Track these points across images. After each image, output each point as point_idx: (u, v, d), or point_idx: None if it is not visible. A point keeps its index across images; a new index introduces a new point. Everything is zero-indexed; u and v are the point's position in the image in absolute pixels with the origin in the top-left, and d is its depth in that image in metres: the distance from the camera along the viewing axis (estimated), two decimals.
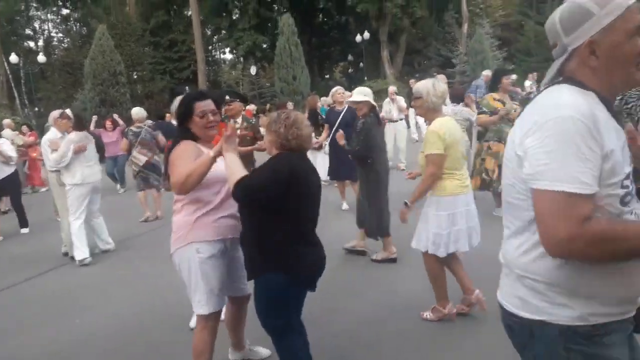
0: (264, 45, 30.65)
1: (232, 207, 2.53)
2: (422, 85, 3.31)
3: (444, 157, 3.18)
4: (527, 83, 18.62)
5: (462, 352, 3.11)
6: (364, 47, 27.15)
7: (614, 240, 1.16)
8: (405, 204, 3.31)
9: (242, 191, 2.24)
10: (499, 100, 5.87)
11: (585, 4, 1.26)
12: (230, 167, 2.35)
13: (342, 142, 4.83)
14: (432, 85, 3.27)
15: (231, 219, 2.58)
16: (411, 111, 14.70)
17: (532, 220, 1.26)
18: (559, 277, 1.26)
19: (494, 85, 6.11)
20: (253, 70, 27.60)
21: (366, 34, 26.20)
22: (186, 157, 2.44)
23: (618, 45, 1.24)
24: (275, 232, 2.28)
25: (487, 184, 5.93)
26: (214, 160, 2.38)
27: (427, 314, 3.49)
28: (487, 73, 11.33)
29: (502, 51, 23.83)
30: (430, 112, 3.31)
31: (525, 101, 12.71)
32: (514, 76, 11.42)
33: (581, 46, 1.27)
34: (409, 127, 12.94)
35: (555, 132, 1.18)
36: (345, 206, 7.18)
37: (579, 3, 1.27)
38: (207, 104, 2.61)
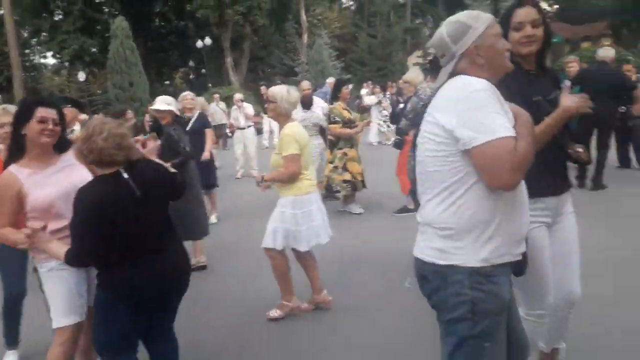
0: (93, 49, 28.08)
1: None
2: (277, 91, 3.48)
3: (301, 157, 3.39)
4: (363, 91, 19.86)
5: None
6: (205, 53, 26.40)
7: (526, 151, 1.50)
8: (262, 177, 3.48)
9: (80, 262, 2.30)
10: (345, 109, 6.30)
11: (464, 21, 1.68)
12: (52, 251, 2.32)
13: None
14: (287, 92, 3.46)
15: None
16: (266, 118, 14.69)
17: (452, 183, 1.59)
18: (470, 225, 1.57)
19: (334, 94, 6.37)
20: (82, 76, 25.00)
21: (207, 40, 25.52)
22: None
23: (492, 46, 1.68)
24: (104, 253, 2.23)
25: (355, 184, 6.29)
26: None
27: (274, 312, 3.56)
28: (330, 81, 11.72)
29: (340, 61, 25.14)
30: (282, 117, 3.50)
31: (362, 109, 13.55)
32: (350, 86, 12.05)
33: (468, 50, 1.66)
34: (259, 133, 12.82)
35: (478, 101, 1.53)
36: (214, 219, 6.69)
37: (459, 20, 1.69)
38: (51, 112, 2.42)
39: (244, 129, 10.10)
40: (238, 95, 10.73)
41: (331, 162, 6.31)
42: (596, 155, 6.40)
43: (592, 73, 6.64)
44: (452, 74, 1.67)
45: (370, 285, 4.07)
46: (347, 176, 6.21)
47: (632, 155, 7.64)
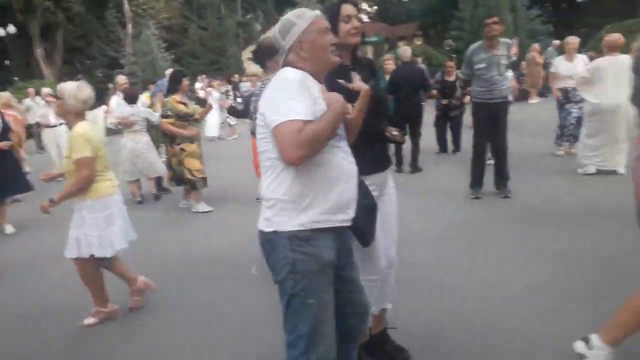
0: None
1: None
2: (66, 87, 3.25)
3: (94, 160, 3.20)
4: (198, 85, 19.19)
5: None
6: (8, 43, 22.85)
7: (316, 131, 1.70)
8: (51, 200, 3.20)
9: None
10: (180, 102, 5.95)
11: (289, 18, 1.89)
12: None
13: None
14: (77, 88, 3.24)
15: None
16: (90, 113, 13.25)
17: (273, 161, 1.82)
18: (288, 196, 1.79)
19: (173, 87, 5.99)
20: None
21: (11, 28, 22.12)
22: None
23: (315, 41, 1.87)
24: None
25: (194, 182, 6.02)
26: None
27: (88, 320, 3.41)
28: (168, 72, 11.08)
29: (170, 53, 23.89)
30: (70, 115, 3.26)
31: (201, 101, 13.07)
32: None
33: (293, 44, 1.87)
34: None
35: (279, 87, 1.79)
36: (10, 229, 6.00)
37: (286, 17, 1.91)
38: None
39: (55, 126, 8.99)
40: (46, 90, 9.57)
41: (174, 156, 5.98)
42: (411, 143, 7.27)
43: (401, 71, 7.42)
44: (283, 66, 1.91)
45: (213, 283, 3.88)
46: (186, 173, 5.93)
47: (450, 141, 8.62)
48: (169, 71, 9.86)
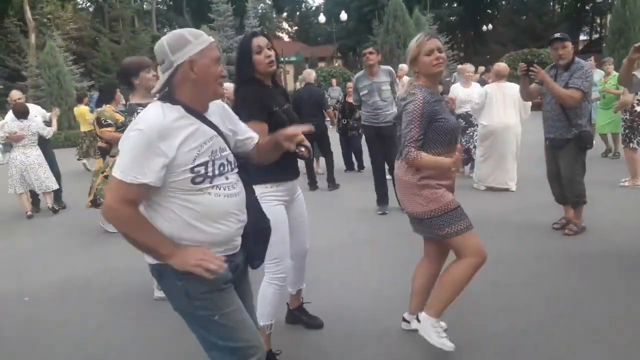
0: None
1: None
2: None
3: None
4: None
5: None
6: None
7: (132, 227, 1.72)
8: None
9: None
10: (116, 111, 5.60)
11: (184, 34, 1.78)
12: None
13: None
14: None
15: None
16: None
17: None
18: (170, 232, 1.77)
19: (107, 98, 5.68)
20: None
21: None
22: None
23: (208, 67, 1.78)
24: None
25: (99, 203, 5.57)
26: None
27: None
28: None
29: (79, 66, 22.69)
30: None
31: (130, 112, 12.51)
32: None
33: (184, 63, 1.75)
34: None
35: (130, 137, 1.69)
36: None
37: (180, 33, 1.79)
38: None
39: None
40: None
41: (102, 172, 5.49)
42: (325, 161, 7.61)
43: (302, 93, 7.76)
44: (167, 83, 1.79)
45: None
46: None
47: (354, 159, 9.01)
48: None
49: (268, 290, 2.73)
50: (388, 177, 6.10)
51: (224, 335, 1.84)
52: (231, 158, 1.89)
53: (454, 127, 2.67)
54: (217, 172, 1.80)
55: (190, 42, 1.76)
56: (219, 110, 1.94)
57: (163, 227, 1.77)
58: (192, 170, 1.74)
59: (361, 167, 8.90)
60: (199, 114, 1.81)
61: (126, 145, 1.70)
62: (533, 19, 31.37)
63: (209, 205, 1.79)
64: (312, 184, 7.57)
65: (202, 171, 1.76)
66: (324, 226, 5.35)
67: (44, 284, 4.37)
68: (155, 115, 1.71)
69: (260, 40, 2.60)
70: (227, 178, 1.84)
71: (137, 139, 1.68)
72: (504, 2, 36.12)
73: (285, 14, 54.34)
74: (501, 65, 6.78)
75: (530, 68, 4.39)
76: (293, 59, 32.79)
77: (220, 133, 1.85)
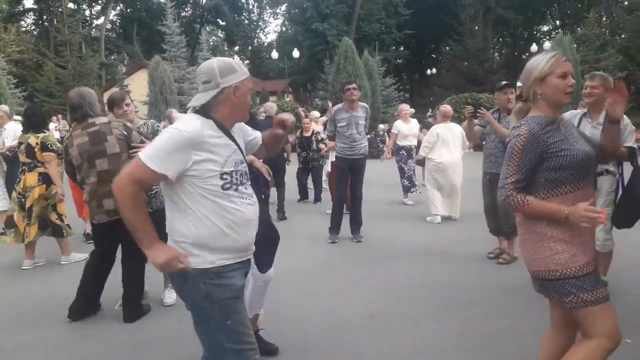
0: None
1: None
2: None
3: None
4: (52, 125, 17.88)
5: None
6: None
7: (128, 202, 1.89)
8: None
9: None
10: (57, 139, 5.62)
11: (232, 64, 2.07)
12: None
13: None
14: None
15: None
16: None
17: (173, 206, 2.02)
18: (194, 238, 1.96)
19: (39, 123, 5.52)
20: None
21: None
22: None
23: (246, 95, 2.08)
24: None
25: (62, 228, 5.47)
26: None
27: None
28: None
29: (21, 89, 21.93)
30: None
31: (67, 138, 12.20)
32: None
33: (230, 87, 2.02)
34: None
35: (167, 135, 1.94)
36: None
37: (229, 61, 2.08)
38: None
39: None
40: None
41: (46, 198, 5.34)
42: (277, 192, 7.82)
43: (261, 124, 7.88)
44: (210, 102, 2.04)
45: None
46: (54, 217, 5.37)
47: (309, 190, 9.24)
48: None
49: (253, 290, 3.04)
50: (345, 212, 6.41)
51: (233, 339, 2.02)
52: (247, 170, 2.15)
53: (582, 158, 2.07)
54: (239, 181, 2.06)
55: (236, 70, 2.05)
56: (235, 128, 2.18)
57: (198, 233, 1.96)
58: (221, 176, 1.98)
59: (318, 199, 9.07)
60: (226, 130, 2.07)
61: (162, 139, 1.94)
62: (474, 65, 33.38)
63: (236, 213, 2.01)
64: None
65: (229, 178, 2.01)
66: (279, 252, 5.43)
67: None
68: (195, 123, 1.97)
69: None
70: (246, 188, 2.10)
71: (174, 136, 1.92)
72: (447, 48, 38.33)
73: (237, 48, 54.97)
74: (447, 108, 7.59)
75: (478, 110, 4.88)
76: None
77: (239, 147, 2.11)
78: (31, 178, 5.24)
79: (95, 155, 3.75)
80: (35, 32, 38.25)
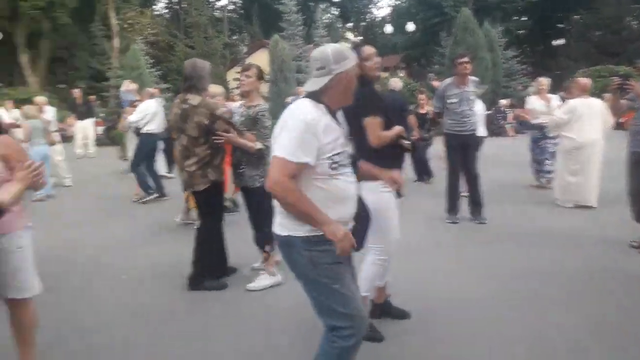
0: None
1: None
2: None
3: None
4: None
5: None
6: None
7: (297, 198, 2.05)
8: None
9: None
10: None
11: (344, 51, 2.20)
12: None
13: None
14: None
15: None
16: (81, 124, 13.36)
17: None
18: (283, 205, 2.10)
19: None
20: None
21: None
22: None
23: (352, 78, 2.22)
24: None
25: None
26: None
27: None
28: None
29: (157, 69, 24.07)
30: None
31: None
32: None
33: (342, 73, 2.16)
34: (65, 141, 11.54)
35: (292, 125, 2.08)
36: None
37: (341, 48, 2.19)
38: None
39: None
40: (40, 99, 9.67)
41: None
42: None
43: (386, 99, 7.84)
44: (322, 87, 2.17)
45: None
46: None
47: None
48: (126, 86, 9.92)
49: (372, 269, 3.16)
50: (464, 193, 6.24)
51: (343, 302, 2.15)
52: (348, 152, 2.30)
53: None
54: (344, 162, 2.20)
55: (348, 57, 2.19)
56: (339, 112, 2.35)
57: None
58: (330, 157, 2.12)
59: (429, 175, 8.87)
60: (334, 113, 2.23)
61: (289, 132, 2.08)
62: (607, 34, 30.08)
63: (339, 189, 2.17)
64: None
65: (337, 159, 2.15)
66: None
67: (139, 265, 4.88)
68: (311, 109, 2.12)
69: (368, 49, 3.12)
70: (347, 167, 2.24)
71: (300, 125, 2.06)
72: (576, 17, 34.82)
73: (350, 24, 54.90)
74: (585, 81, 6.82)
75: (626, 82, 4.47)
76: None
77: (343, 131, 2.27)
78: None
79: (180, 129, 4.04)
80: (167, 16, 41.40)
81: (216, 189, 4.14)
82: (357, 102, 2.98)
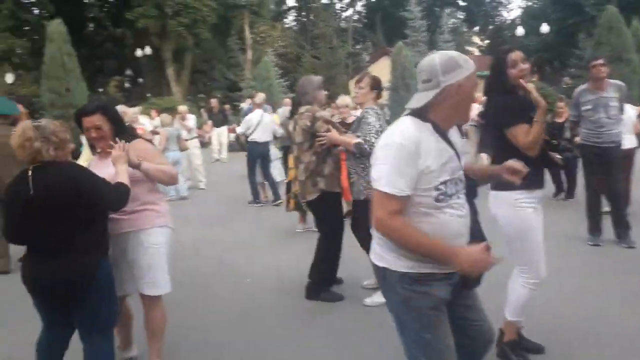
0: (19, 51, 26.42)
1: None
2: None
3: None
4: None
5: None
6: (145, 63, 25.57)
7: (404, 237, 1.79)
8: None
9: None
10: None
11: (456, 58, 1.85)
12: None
13: None
14: None
15: None
16: (217, 130, 14.55)
17: None
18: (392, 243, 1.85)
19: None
20: (9, 77, 23.47)
21: (147, 49, 24.84)
22: None
23: (469, 91, 1.87)
24: (20, 242, 2.60)
25: None
26: None
27: None
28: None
29: (285, 80, 25.32)
30: None
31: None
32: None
33: (452, 85, 1.82)
34: (203, 146, 12.62)
35: (389, 153, 1.79)
36: None
37: (452, 56, 1.87)
38: (89, 120, 2.73)
39: (187, 140, 9.95)
40: (182, 108, 10.63)
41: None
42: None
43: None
44: (429, 103, 1.84)
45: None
46: None
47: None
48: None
49: (521, 292, 2.86)
50: (605, 208, 5.59)
51: (430, 355, 1.86)
52: (463, 177, 1.96)
53: None
54: (453, 191, 1.87)
55: (461, 66, 1.83)
56: (454, 129, 1.98)
57: None
58: (436, 188, 1.81)
59: (571, 195, 7.98)
60: (444, 133, 1.89)
61: (386, 158, 1.80)
62: None
63: (444, 225, 1.85)
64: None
65: (444, 189, 1.83)
66: None
67: (259, 269, 5.08)
68: (411, 129, 1.81)
69: (515, 55, 2.80)
70: (458, 198, 1.91)
71: (398, 151, 1.77)
72: None
73: (476, 28, 52.74)
74: None
75: None
76: (485, 73, 31.67)
77: (457, 152, 1.91)
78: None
79: (292, 140, 4.23)
80: (295, 28, 43.40)
81: (328, 198, 4.10)
82: (501, 111, 2.81)
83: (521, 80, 2.72)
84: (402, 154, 1.77)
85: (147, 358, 3.05)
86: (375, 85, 4.05)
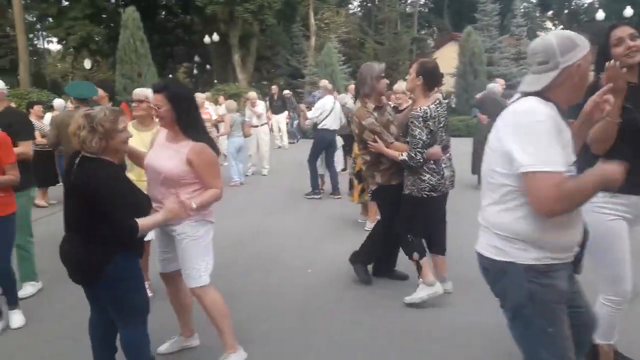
0: (97, 38, 27.89)
1: None
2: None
3: None
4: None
5: None
6: (213, 50, 26.18)
7: (580, 193, 1.69)
8: None
9: None
10: None
11: (573, 38, 1.79)
12: None
13: None
14: None
15: None
16: (276, 117, 14.72)
17: (505, 194, 1.81)
18: (525, 232, 1.78)
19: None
20: (87, 63, 24.83)
21: (215, 36, 25.43)
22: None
23: (586, 71, 1.81)
24: None
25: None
26: None
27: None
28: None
29: (347, 66, 25.13)
30: None
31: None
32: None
33: (572, 65, 1.77)
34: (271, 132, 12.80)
35: (534, 132, 1.69)
36: None
37: (569, 36, 1.80)
38: (154, 98, 2.74)
39: (257, 126, 10.10)
40: (252, 94, 10.75)
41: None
42: None
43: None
44: (548, 87, 1.78)
45: None
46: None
47: None
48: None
49: (602, 310, 2.51)
50: None
51: (553, 350, 1.82)
52: (574, 162, 1.87)
53: None
54: (572, 174, 1.79)
55: (578, 45, 1.78)
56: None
57: (528, 227, 1.77)
58: (569, 166, 1.76)
59: None
60: (565, 113, 1.83)
61: (533, 140, 1.70)
62: None
63: (572, 212, 1.80)
64: None
65: (571, 172, 1.77)
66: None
67: (318, 260, 5.02)
68: (545, 108, 1.74)
69: (620, 31, 2.38)
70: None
71: (544, 128, 1.69)
72: None
73: (550, 12, 49.92)
74: None
75: None
76: None
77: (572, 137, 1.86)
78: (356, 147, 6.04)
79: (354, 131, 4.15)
80: (359, 14, 42.95)
81: (386, 191, 4.02)
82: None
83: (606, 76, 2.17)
84: (549, 130, 1.70)
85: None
86: (422, 71, 3.63)
